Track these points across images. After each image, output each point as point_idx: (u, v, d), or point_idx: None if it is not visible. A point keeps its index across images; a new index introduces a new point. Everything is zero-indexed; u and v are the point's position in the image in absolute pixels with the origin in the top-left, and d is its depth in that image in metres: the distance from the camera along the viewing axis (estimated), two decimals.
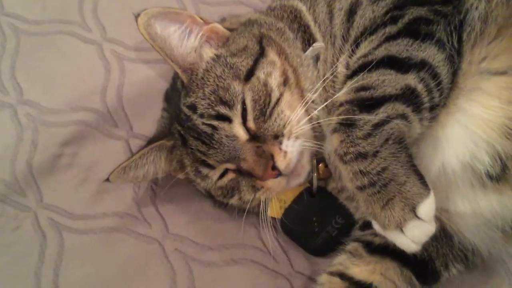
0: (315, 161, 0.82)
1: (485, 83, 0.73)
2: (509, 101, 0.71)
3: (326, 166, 0.84)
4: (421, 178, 0.66)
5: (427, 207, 0.65)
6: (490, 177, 0.73)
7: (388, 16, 0.77)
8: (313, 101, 0.79)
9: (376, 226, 0.70)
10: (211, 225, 0.91)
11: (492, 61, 0.73)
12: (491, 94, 0.72)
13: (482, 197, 0.75)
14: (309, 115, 0.79)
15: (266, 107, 0.77)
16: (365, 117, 0.69)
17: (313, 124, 0.79)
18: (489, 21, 0.74)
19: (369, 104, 0.70)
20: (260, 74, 0.78)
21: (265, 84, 0.77)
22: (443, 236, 0.80)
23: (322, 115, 0.80)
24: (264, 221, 0.82)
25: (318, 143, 0.79)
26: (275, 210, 0.87)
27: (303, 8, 0.86)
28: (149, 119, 0.97)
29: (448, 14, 0.74)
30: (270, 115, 0.77)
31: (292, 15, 0.86)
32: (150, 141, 0.87)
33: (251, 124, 0.77)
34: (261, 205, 0.82)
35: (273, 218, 0.87)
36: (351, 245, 0.83)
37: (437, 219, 0.78)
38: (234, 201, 0.84)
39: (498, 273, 0.86)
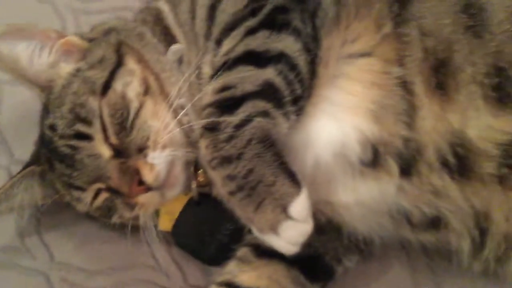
0: (193, 168, 0.78)
1: (348, 68, 0.70)
2: (372, 84, 0.69)
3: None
4: (291, 176, 0.63)
5: (299, 206, 0.62)
6: (365, 164, 0.70)
7: (248, 8, 0.73)
8: (182, 106, 0.75)
9: (254, 230, 0.66)
10: (100, 248, 0.86)
11: (353, 44, 0.70)
12: (354, 78, 0.70)
13: (361, 185, 0.72)
14: (178, 121, 0.75)
15: (125, 120, 0.72)
16: (227, 118, 0.65)
17: (185, 130, 0.75)
18: (346, 3, 0.71)
19: (230, 104, 0.66)
20: (117, 85, 0.74)
21: (123, 96, 0.73)
22: (330, 229, 0.77)
23: (195, 119, 0.76)
24: (155, 237, 0.78)
25: (190, 150, 0.75)
26: (165, 223, 0.83)
27: (165, 8, 0.82)
28: (31, 143, 0.91)
29: (304, 0, 0.72)
30: (132, 128, 0.72)
31: (154, 17, 0.82)
32: (23, 168, 0.82)
33: (113, 139, 0.73)
34: (148, 220, 0.78)
35: (167, 232, 0.83)
36: (241, 251, 0.80)
37: (322, 212, 0.76)
38: (116, 220, 0.79)
39: (398, 260, 0.84)
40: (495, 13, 0.65)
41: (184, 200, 0.83)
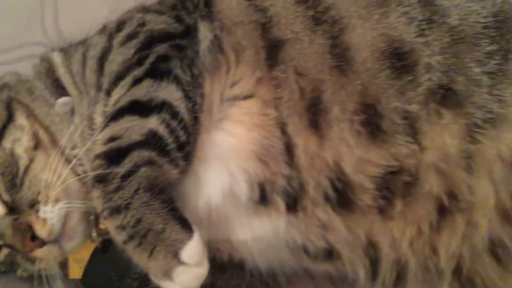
0: (94, 216, 0.79)
1: (231, 110, 0.73)
2: (253, 125, 0.71)
3: None
4: (181, 221, 0.64)
5: (190, 251, 0.63)
6: (255, 202, 0.72)
7: (135, 58, 0.75)
8: (76, 157, 0.76)
9: (151, 277, 0.67)
10: None
11: (235, 87, 0.73)
12: (237, 121, 0.72)
13: (255, 222, 0.74)
14: (73, 172, 0.76)
15: (15, 177, 0.73)
16: (114, 170, 0.67)
17: (82, 181, 0.76)
18: (223, 50, 0.73)
19: (117, 155, 0.68)
20: (6, 143, 0.74)
21: (11, 153, 0.74)
22: (232, 267, 0.79)
23: (90, 169, 0.77)
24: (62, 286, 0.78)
25: (88, 200, 0.76)
26: (75, 271, 0.84)
27: (57, 60, 0.83)
28: None
29: (184, 48, 0.74)
30: (22, 184, 0.73)
31: (47, 69, 0.83)
32: None
33: (5, 197, 0.73)
34: (54, 271, 0.78)
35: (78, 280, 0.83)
36: None
37: (222, 251, 0.78)
38: (22, 273, 0.79)
39: None
40: (358, 52, 0.69)
41: (91, 247, 0.83)
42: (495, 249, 0.68)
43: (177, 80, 0.71)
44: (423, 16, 0.68)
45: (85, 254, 0.83)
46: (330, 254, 0.74)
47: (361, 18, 0.69)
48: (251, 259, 0.78)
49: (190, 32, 0.75)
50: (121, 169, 0.66)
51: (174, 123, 0.69)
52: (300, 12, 0.71)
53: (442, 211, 0.67)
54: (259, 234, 0.75)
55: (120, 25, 0.80)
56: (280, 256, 0.78)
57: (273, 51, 0.71)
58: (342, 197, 0.69)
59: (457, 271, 0.69)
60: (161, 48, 0.74)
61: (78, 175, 0.76)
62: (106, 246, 0.82)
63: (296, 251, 0.76)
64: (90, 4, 1.07)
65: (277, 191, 0.71)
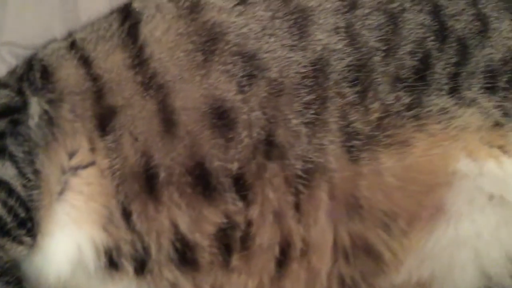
0: None
1: (71, 181, 0.73)
2: (92, 195, 0.72)
3: None
4: None
5: None
6: (104, 268, 0.73)
7: None
8: None
9: None
10: None
11: (73, 158, 0.74)
12: (77, 191, 0.73)
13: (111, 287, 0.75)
14: None
15: None
16: None
17: None
18: (54, 123, 0.74)
19: None
20: None
21: None
22: None
23: None
24: None
25: None
26: None
27: None
28: None
29: (20, 123, 0.75)
30: None
31: None
32: None
33: None
34: None
35: None
36: None
37: None
38: None
39: None
40: (183, 115, 0.70)
41: None
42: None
43: (12, 157, 0.71)
44: (243, 72, 0.70)
45: None
46: None
47: (184, 82, 0.71)
48: None
49: (26, 106, 0.76)
50: None
51: (11, 202, 0.70)
52: (130, 78, 0.73)
53: (280, 261, 0.69)
54: None
55: None
56: None
57: (106, 119, 0.72)
58: (184, 256, 0.70)
59: None
60: (1, 124, 0.75)
61: None
62: None
63: None
64: None
65: (124, 256, 0.72)
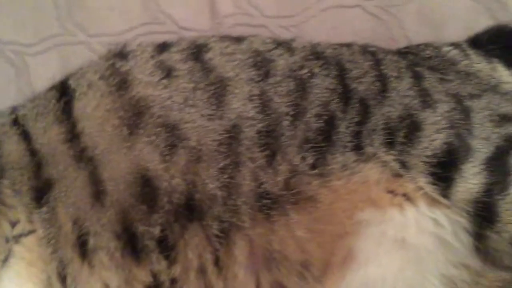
0: None
1: (15, 248, 0.80)
2: (33, 261, 0.79)
3: None
4: None
5: None
6: None
7: None
8: None
9: None
10: None
11: (15, 227, 0.80)
12: (19, 257, 0.79)
13: None
14: None
15: None
16: None
17: None
18: None
19: None
20: None
21: None
22: None
23: None
24: None
25: None
26: None
27: None
28: None
29: None
30: None
31: None
32: None
33: None
34: None
35: None
36: None
37: None
38: None
39: None
40: (111, 185, 0.78)
41: None
42: None
43: None
44: (166, 142, 0.78)
45: None
46: None
47: (112, 154, 0.78)
48: None
49: None
50: None
51: None
52: (64, 151, 0.80)
53: None
54: None
55: None
56: None
57: (42, 191, 0.79)
58: None
59: None
60: None
61: None
62: None
63: None
64: None
65: None
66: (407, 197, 0.81)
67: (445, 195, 0.79)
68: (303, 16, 1.18)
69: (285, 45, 0.92)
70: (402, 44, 1.11)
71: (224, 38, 0.94)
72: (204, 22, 1.21)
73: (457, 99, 0.86)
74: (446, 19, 1.13)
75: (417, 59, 0.98)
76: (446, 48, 1.01)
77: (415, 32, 1.13)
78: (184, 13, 1.21)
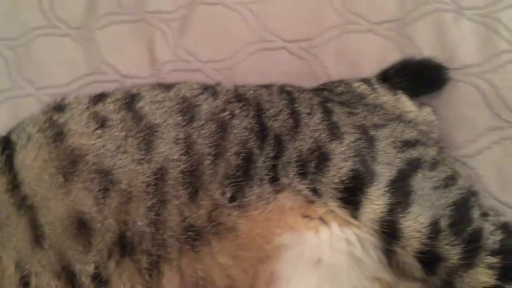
0: None
1: None
2: None
3: None
4: None
5: None
6: None
7: None
8: None
9: None
10: None
11: None
12: None
13: None
14: None
15: None
16: None
17: None
18: None
19: None
20: None
21: None
22: None
23: None
24: None
25: None
26: None
27: None
28: None
29: None
30: None
31: None
32: None
33: None
34: None
35: None
36: None
37: None
38: None
39: None
40: (49, 228, 0.85)
41: None
42: None
43: None
44: (99, 187, 0.87)
45: None
46: None
47: (49, 200, 0.86)
48: None
49: None
50: None
51: None
52: (7, 200, 0.88)
53: None
54: None
55: None
56: None
57: None
58: None
59: None
60: None
61: None
62: None
63: None
64: None
65: None
66: (322, 220, 0.91)
67: (355, 216, 0.89)
68: (234, 60, 1.29)
69: (211, 90, 1.02)
70: (323, 81, 1.23)
71: (155, 86, 1.04)
72: (144, 70, 1.31)
73: (363, 129, 0.96)
74: (361, 57, 1.25)
75: (331, 95, 1.09)
76: (356, 84, 1.13)
77: (334, 70, 1.25)
78: (125, 62, 1.31)
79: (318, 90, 1.12)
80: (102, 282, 0.83)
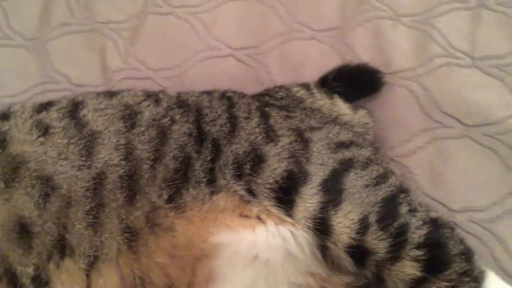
0: None
1: None
2: None
3: None
4: None
5: None
6: None
7: None
8: None
9: None
10: None
11: None
12: None
13: None
14: None
15: None
16: None
17: None
18: None
19: None
20: None
21: None
22: None
23: None
24: None
25: None
26: None
27: None
28: None
29: None
30: None
31: None
32: None
33: None
34: None
35: None
36: None
37: None
38: None
39: None
40: None
41: None
42: None
43: None
44: (40, 192, 0.90)
45: None
46: None
47: None
48: None
49: None
50: None
51: None
52: None
53: None
54: None
55: None
56: None
57: None
58: None
59: None
60: None
61: None
62: None
63: None
64: None
65: None
66: (259, 219, 0.95)
67: (289, 215, 0.93)
68: (183, 67, 1.34)
69: (154, 97, 1.07)
70: (268, 86, 1.28)
71: (100, 94, 1.07)
72: (96, 78, 1.34)
73: (298, 132, 1.01)
74: (304, 63, 1.31)
75: (272, 99, 1.14)
76: (295, 89, 1.18)
77: (278, 76, 1.30)
78: (77, 71, 1.35)
79: (260, 95, 1.17)
80: (42, 283, 0.86)
